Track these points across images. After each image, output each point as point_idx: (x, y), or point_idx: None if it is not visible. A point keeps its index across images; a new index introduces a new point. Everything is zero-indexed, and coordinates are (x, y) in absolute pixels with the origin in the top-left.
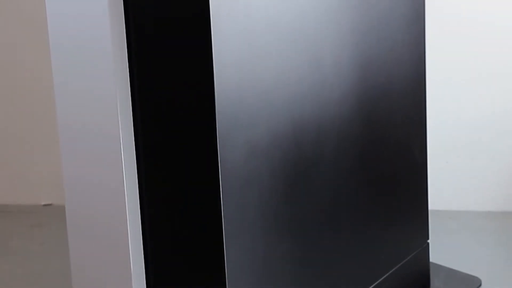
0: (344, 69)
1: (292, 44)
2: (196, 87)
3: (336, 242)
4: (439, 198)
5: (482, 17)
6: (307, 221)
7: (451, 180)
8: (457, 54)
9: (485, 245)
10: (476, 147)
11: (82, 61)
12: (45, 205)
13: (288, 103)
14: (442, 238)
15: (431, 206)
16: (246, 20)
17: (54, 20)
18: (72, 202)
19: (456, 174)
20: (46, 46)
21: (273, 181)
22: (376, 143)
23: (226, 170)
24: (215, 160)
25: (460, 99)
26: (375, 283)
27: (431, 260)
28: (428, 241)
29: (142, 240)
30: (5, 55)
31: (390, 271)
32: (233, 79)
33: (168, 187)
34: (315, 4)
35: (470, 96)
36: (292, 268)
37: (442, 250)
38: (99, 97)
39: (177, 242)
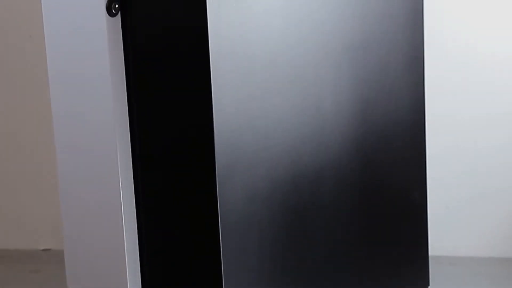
0: (344, 113)
1: (292, 87)
2: (195, 131)
3: (335, 287)
4: (440, 243)
5: (484, 58)
6: (306, 265)
7: (451, 225)
8: (457, 95)
9: None
10: (476, 192)
11: (82, 105)
12: (44, 250)
13: (288, 147)
14: (443, 284)
15: (431, 252)
16: (246, 62)
17: (53, 64)
18: (71, 247)
19: (457, 219)
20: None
21: (272, 225)
22: (376, 186)
23: (225, 214)
24: (215, 204)
25: (459, 143)
26: None
27: None
28: (429, 287)
29: None
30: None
31: None
32: (232, 122)
33: (168, 231)
34: (315, 47)
35: (470, 139)
36: None
37: None
38: (98, 142)
39: (177, 287)
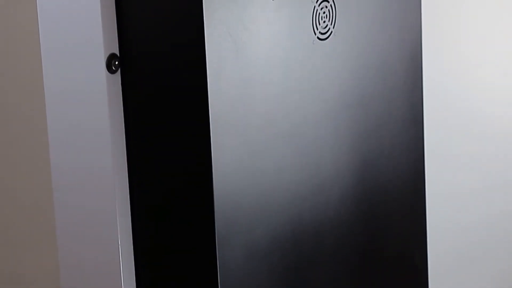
0: (343, 170)
1: (291, 145)
2: (194, 189)
3: None
4: None
5: (483, 119)
6: None
7: (452, 286)
8: (459, 159)
9: None
10: (475, 253)
11: (82, 160)
12: None
13: (287, 204)
14: None
15: None
16: (245, 121)
17: (54, 121)
18: None
19: (456, 280)
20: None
21: (272, 282)
22: (375, 244)
23: (225, 272)
24: (214, 262)
25: (459, 207)
26: None
27: None
28: None
29: None
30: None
31: None
32: (232, 181)
33: None
34: (314, 104)
35: (470, 207)
36: None
37: None
38: (97, 196)
39: None
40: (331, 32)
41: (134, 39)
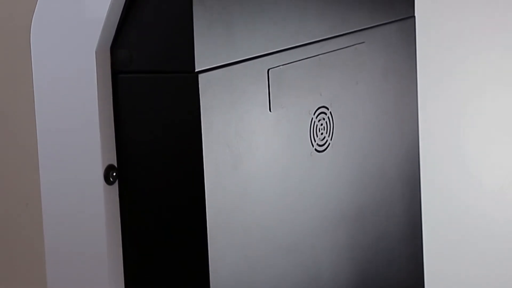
0: (342, 282)
1: (289, 257)
2: None
3: None
4: None
5: (483, 224)
6: None
7: None
8: (459, 264)
9: None
10: None
11: (78, 273)
12: None
13: None
14: None
15: None
16: (242, 233)
17: (50, 233)
18: None
19: None
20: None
21: None
22: None
23: None
24: None
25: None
26: None
27: None
28: None
29: None
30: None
31: None
32: None
33: None
34: (311, 216)
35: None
36: None
37: None
38: None
39: None
40: (329, 144)
41: (132, 150)
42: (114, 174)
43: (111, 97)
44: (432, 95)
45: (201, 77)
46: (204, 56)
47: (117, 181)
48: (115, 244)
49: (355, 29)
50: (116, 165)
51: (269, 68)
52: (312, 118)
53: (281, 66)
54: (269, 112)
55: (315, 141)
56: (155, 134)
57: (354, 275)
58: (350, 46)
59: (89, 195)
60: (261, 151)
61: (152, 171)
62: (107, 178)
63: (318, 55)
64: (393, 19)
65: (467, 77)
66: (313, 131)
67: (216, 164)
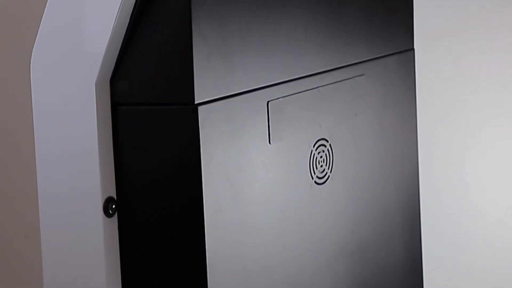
0: None
1: None
2: None
3: None
4: None
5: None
6: None
7: None
8: None
9: None
10: None
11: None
12: None
13: None
14: None
15: None
16: (241, 268)
17: (49, 266)
18: None
19: None
20: None
21: None
22: None
23: None
24: None
25: None
26: None
27: None
28: None
29: None
30: None
31: None
32: None
33: None
34: (311, 251)
35: None
36: None
37: None
38: None
39: None
40: (329, 176)
41: (132, 182)
42: (114, 206)
43: (111, 129)
44: (432, 127)
45: (200, 109)
46: (203, 88)
47: (116, 213)
48: (114, 277)
49: (355, 62)
50: (115, 197)
51: (268, 100)
52: (311, 150)
53: (280, 98)
54: (269, 144)
55: (314, 173)
56: (155, 166)
57: None
58: (350, 78)
59: (89, 228)
60: (260, 183)
61: (152, 204)
62: (107, 211)
63: (318, 87)
64: (393, 52)
65: (466, 109)
66: (312, 163)
67: (216, 197)
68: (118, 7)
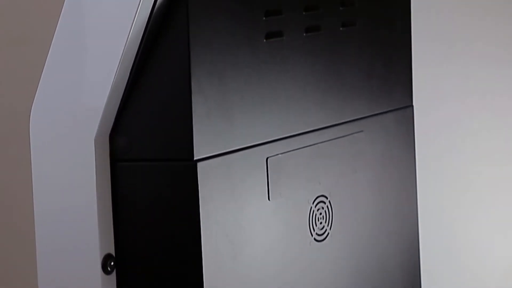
0: None
1: None
2: None
3: None
4: None
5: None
6: None
7: None
8: None
9: None
10: None
11: None
12: None
13: None
14: None
15: None
16: None
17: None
18: None
19: None
20: None
21: None
22: None
23: None
24: None
25: None
26: None
27: None
28: None
29: None
30: None
31: None
32: None
33: None
34: None
35: None
36: None
37: None
38: None
39: None
40: (328, 233)
41: (131, 239)
42: (112, 263)
43: (110, 185)
44: (431, 183)
45: (199, 165)
46: (202, 144)
47: (115, 270)
48: None
49: (354, 118)
50: (114, 254)
51: (268, 156)
52: (311, 207)
53: (280, 155)
54: (268, 200)
55: (314, 230)
56: (154, 222)
57: None
58: (349, 135)
59: (87, 285)
60: (260, 240)
61: (151, 261)
62: (105, 268)
63: (317, 143)
64: (391, 108)
65: (465, 165)
66: (312, 220)
67: (215, 253)
68: (118, 63)
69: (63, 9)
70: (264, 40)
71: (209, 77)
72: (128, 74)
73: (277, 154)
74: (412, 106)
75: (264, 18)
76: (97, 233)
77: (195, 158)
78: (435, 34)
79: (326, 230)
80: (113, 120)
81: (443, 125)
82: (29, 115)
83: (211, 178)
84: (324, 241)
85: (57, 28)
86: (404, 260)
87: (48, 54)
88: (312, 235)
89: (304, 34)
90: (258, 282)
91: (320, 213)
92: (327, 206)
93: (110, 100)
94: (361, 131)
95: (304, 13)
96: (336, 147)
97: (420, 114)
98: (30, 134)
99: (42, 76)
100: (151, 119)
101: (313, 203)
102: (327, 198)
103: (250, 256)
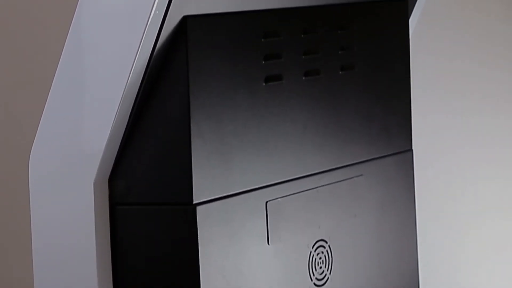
0: None
1: None
2: None
3: None
4: None
5: None
6: None
7: None
8: None
9: None
10: None
11: None
12: None
13: None
14: None
15: None
16: None
17: None
18: None
19: None
20: None
21: None
22: None
23: None
24: None
25: None
26: None
27: None
28: None
29: None
30: None
31: None
32: None
33: None
34: None
35: None
36: None
37: None
38: None
39: None
40: (328, 278)
41: (130, 282)
42: None
43: (109, 229)
44: (431, 227)
45: (199, 209)
46: (202, 188)
47: None
48: None
49: (353, 162)
50: None
51: (267, 200)
52: (310, 251)
53: (279, 199)
54: (267, 244)
55: (313, 275)
56: (153, 265)
57: None
58: (348, 178)
59: None
60: (259, 284)
61: None
62: None
63: (316, 187)
64: (391, 153)
65: (465, 209)
66: (311, 264)
67: None
68: (117, 107)
69: (63, 53)
70: (264, 84)
71: (208, 120)
72: (127, 118)
73: (277, 198)
74: (411, 150)
75: (263, 62)
76: (96, 276)
77: (194, 202)
78: (434, 77)
79: (326, 274)
80: (112, 164)
81: (443, 169)
82: (28, 159)
83: (210, 222)
84: (324, 285)
85: (56, 72)
86: None
87: (47, 99)
88: (311, 280)
89: (304, 78)
90: None
91: (320, 258)
92: (327, 251)
93: (109, 144)
94: (361, 175)
95: (303, 57)
96: (336, 191)
97: (420, 159)
98: (29, 178)
99: (41, 120)
100: (150, 163)
101: (312, 247)
102: (326, 242)
103: None
